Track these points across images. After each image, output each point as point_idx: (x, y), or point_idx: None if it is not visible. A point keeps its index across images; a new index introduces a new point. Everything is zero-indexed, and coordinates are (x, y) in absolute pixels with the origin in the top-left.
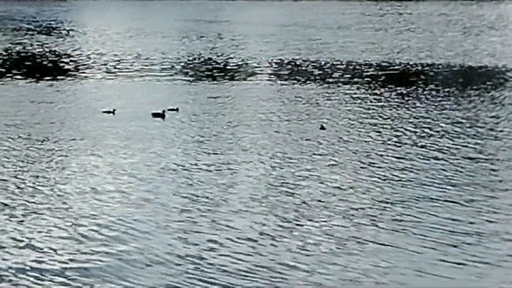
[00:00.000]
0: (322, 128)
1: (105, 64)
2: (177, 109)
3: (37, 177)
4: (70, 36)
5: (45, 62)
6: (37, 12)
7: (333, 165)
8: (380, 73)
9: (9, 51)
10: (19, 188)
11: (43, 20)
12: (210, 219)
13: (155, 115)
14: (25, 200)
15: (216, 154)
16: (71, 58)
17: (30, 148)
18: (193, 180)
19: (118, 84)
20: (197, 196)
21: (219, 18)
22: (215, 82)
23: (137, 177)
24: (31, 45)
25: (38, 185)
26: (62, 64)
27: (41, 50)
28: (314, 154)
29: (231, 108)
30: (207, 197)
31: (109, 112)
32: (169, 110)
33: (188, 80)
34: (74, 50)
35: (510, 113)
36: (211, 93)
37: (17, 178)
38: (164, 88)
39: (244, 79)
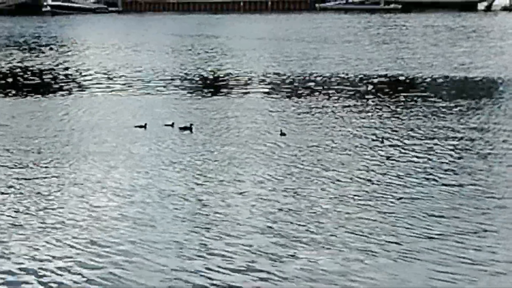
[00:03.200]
0: (282, 134)
1: (96, 79)
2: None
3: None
4: (59, 52)
5: (33, 78)
6: (26, 27)
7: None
8: (362, 84)
9: None
10: None
11: (35, 35)
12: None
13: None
14: None
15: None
16: (60, 73)
17: (18, 163)
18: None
19: (112, 99)
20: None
21: (210, 32)
22: (204, 96)
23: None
24: (16, 60)
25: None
26: (49, 80)
27: (28, 65)
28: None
29: (216, 120)
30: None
31: (141, 126)
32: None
33: (177, 94)
34: (62, 65)
35: (492, 124)
36: (200, 106)
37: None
38: (151, 102)
39: (233, 93)
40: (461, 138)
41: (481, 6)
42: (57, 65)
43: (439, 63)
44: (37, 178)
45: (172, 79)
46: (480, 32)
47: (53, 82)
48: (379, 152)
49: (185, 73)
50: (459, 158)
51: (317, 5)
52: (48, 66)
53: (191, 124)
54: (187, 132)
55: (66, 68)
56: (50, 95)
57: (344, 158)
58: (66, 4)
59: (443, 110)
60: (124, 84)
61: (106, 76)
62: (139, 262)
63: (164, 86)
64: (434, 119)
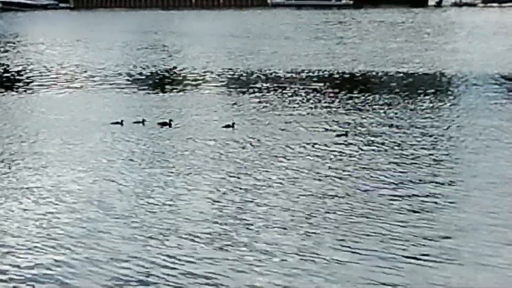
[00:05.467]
0: (230, 126)
1: (49, 76)
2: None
3: None
4: (7, 49)
5: None
6: None
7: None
8: (326, 80)
9: None
10: None
11: None
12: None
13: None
14: None
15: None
16: (12, 71)
17: None
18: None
19: (65, 96)
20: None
21: (166, 28)
22: (161, 93)
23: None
24: None
25: None
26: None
27: None
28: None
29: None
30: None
31: (117, 123)
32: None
33: (134, 92)
34: (12, 63)
35: (456, 118)
36: (155, 103)
37: None
38: (111, 99)
39: (190, 89)
40: (412, 130)
41: (432, 1)
42: (6, 63)
43: (387, 58)
44: None
45: (127, 76)
46: (429, 28)
47: (5, 80)
48: (342, 146)
49: (141, 70)
50: (410, 149)
51: (269, 1)
52: None
53: (170, 120)
54: (166, 127)
55: (17, 66)
56: (4, 92)
57: (298, 151)
58: (15, 0)
59: (391, 104)
60: (80, 81)
61: (58, 73)
62: (109, 253)
63: (120, 83)
64: (384, 113)
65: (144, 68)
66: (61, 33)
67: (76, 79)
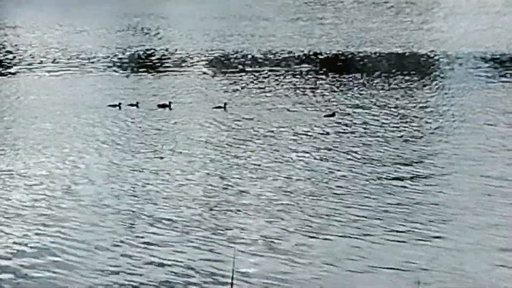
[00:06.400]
0: (220, 107)
1: (35, 59)
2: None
3: None
4: None
5: None
6: None
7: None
8: (308, 61)
9: None
10: None
11: None
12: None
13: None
14: None
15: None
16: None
17: None
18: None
19: (54, 80)
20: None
21: (148, 11)
22: (151, 75)
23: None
24: None
25: None
26: None
27: None
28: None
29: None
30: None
31: (115, 106)
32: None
33: (119, 75)
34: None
35: (439, 99)
36: (142, 86)
37: None
38: (99, 82)
39: (180, 72)
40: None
41: None
42: None
43: (364, 39)
44: None
45: (110, 59)
46: (408, 8)
47: None
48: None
49: (125, 52)
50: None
51: None
52: None
53: (170, 102)
54: (167, 109)
55: (3, 48)
56: None
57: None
58: None
59: (379, 84)
60: (63, 65)
61: (46, 57)
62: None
63: (105, 66)
64: (372, 93)
65: (126, 51)
66: (46, 17)
67: (58, 62)
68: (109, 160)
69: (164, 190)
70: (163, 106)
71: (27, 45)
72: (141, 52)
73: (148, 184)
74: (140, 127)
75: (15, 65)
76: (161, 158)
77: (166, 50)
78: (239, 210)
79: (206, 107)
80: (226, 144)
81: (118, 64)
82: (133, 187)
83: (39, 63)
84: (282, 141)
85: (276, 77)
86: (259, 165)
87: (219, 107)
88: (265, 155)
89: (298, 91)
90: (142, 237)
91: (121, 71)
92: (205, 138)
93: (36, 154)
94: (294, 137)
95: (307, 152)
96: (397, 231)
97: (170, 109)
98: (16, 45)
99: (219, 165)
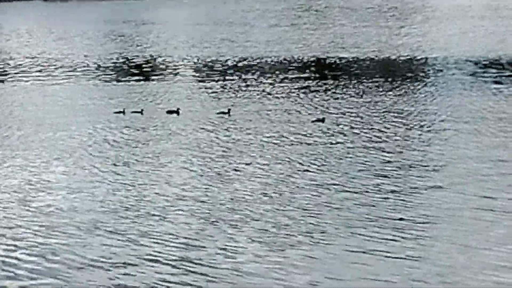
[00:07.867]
0: (224, 112)
1: (20, 68)
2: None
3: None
4: None
5: None
6: None
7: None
8: (290, 67)
9: None
10: None
11: None
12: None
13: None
14: None
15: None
16: None
17: None
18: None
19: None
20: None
21: (137, 18)
22: (135, 82)
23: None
24: None
25: None
26: None
27: None
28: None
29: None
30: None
31: (119, 112)
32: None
33: (108, 81)
34: None
35: (423, 103)
36: (137, 93)
37: None
38: (93, 89)
39: (165, 78)
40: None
41: None
42: None
43: (342, 44)
44: None
45: (100, 67)
46: (388, 12)
47: None
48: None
49: (116, 60)
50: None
51: None
52: None
53: (178, 108)
54: (175, 115)
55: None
56: None
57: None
58: None
59: (369, 88)
60: (52, 72)
61: (31, 64)
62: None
63: (97, 74)
64: (363, 96)
65: (118, 58)
66: (35, 24)
67: (48, 70)
68: (116, 167)
69: (165, 194)
70: (171, 112)
71: (20, 52)
72: (128, 59)
73: (151, 186)
74: (150, 133)
75: (18, 72)
76: (172, 162)
77: (158, 56)
78: (239, 215)
79: (211, 112)
80: (229, 149)
81: (114, 72)
82: (138, 192)
83: (38, 71)
84: (277, 148)
85: (277, 82)
86: (256, 169)
87: (223, 112)
88: (263, 161)
89: (298, 95)
90: (149, 236)
91: (118, 79)
92: (212, 143)
93: (42, 162)
94: (292, 142)
95: (305, 156)
96: (387, 239)
97: (178, 114)
98: (10, 52)
99: (224, 169)
